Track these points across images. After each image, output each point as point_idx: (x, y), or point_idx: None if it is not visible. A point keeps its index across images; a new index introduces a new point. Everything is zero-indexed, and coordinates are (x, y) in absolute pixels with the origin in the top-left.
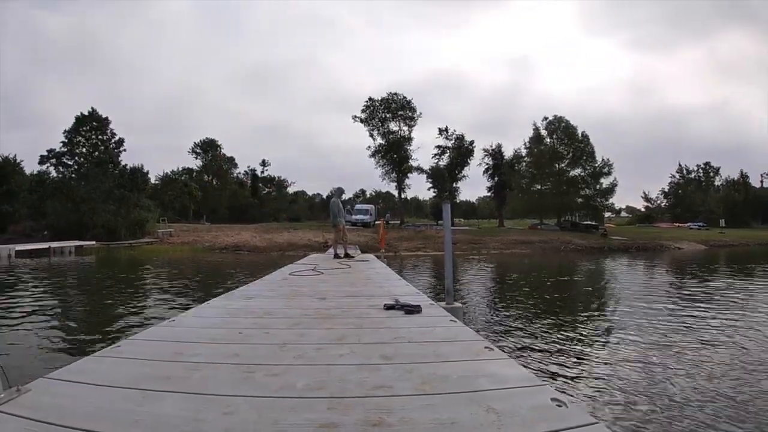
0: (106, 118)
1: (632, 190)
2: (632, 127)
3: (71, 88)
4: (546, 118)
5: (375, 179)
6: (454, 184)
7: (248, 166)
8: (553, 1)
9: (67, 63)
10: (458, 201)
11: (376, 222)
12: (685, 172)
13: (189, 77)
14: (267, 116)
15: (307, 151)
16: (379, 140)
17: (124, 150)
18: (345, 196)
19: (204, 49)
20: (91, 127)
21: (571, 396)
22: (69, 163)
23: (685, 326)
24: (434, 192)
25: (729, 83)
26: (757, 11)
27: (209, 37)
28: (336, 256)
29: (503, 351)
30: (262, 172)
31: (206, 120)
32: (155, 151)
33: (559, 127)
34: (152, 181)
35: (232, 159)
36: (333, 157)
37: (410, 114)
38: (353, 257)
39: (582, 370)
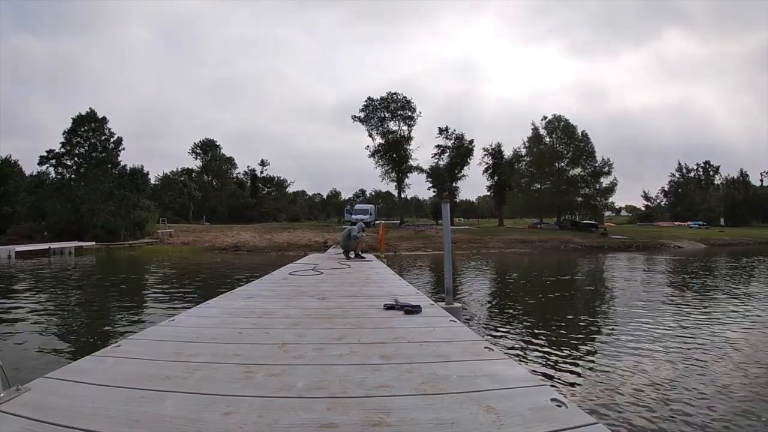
0: (104, 118)
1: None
2: (593, 130)
3: (55, 102)
4: (545, 117)
5: (375, 179)
6: (454, 184)
7: (248, 166)
8: (479, 15)
9: (50, 80)
10: (458, 200)
11: (376, 222)
12: (684, 170)
13: (162, 92)
14: (242, 122)
15: (289, 153)
16: (379, 140)
17: (123, 149)
18: (344, 197)
19: (170, 69)
20: (89, 127)
21: (571, 396)
22: (68, 163)
23: (684, 325)
24: (434, 192)
25: (682, 83)
26: (688, 11)
27: (171, 59)
28: (353, 257)
29: (503, 351)
30: (262, 172)
31: (185, 128)
32: (139, 157)
33: (559, 126)
34: (152, 181)
35: (231, 159)
36: (326, 159)
37: (410, 114)
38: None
39: (582, 370)
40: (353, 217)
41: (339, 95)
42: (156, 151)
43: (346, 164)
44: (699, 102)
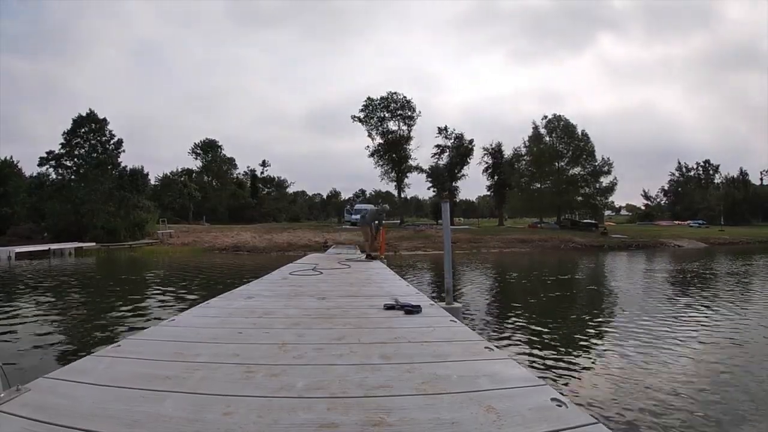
0: (104, 119)
1: None
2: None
3: (44, 111)
4: (545, 117)
5: (367, 180)
6: (454, 184)
7: (248, 167)
8: (411, 31)
9: (38, 94)
10: (458, 200)
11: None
12: (684, 170)
13: (140, 105)
14: (220, 130)
15: (270, 158)
16: (378, 140)
17: (123, 151)
18: (344, 196)
19: (143, 85)
20: (89, 128)
21: (571, 396)
22: (68, 164)
23: (684, 324)
24: (434, 191)
25: (637, 86)
26: (615, 18)
27: (144, 77)
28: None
29: (503, 351)
30: (262, 172)
31: (166, 136)
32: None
33: (559, 125)
34: (152, 182)
35: (231, 160)
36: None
37: (410, 113)
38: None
39: (582, 369)
40: (353, 217)
41: (307, 105)
42: (140, 157)
43: (330, 167)
44: (659, 103)
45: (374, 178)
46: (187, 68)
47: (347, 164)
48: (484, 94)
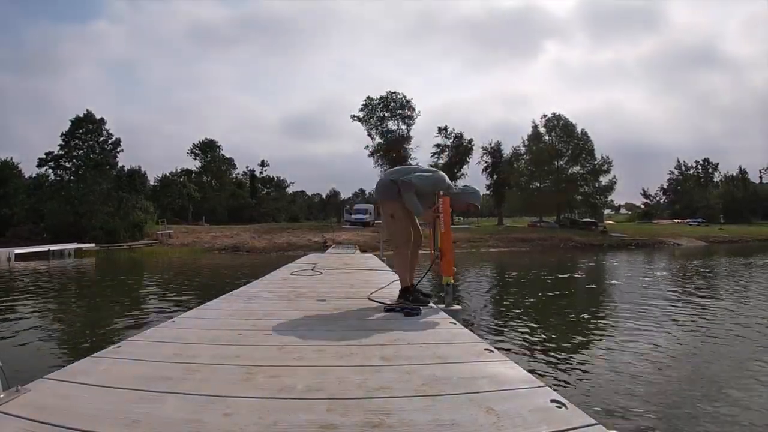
0: (101, 119)
1: None
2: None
3: (33, 124)
4: (545, 116)
5: (358, 180)
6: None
7: (247, 167)
8: (367, 47)
9: (27, 107)
10: None
11: (376, 221)
12: (683, 168)
13: (125, 116)
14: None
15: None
16: (378, 139)
17: (121, 150)
18: (343, 196)
19: (123, 98)
20: (86, 129)
21: (571, 397)
22: (67, 165)
23: (684, 324)
24: None
25: (596, 90)
26: (559, 26)
27: (122, 91)
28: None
29: (503, 352)
30: (261, 172)
31: (151, 146)
32: None
33: (558, 124)
34: (151, 183)
35: (230, 160)
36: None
37: (409, 113)
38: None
39: (582, 370)
40: (353, 217)
41: (280, 112)
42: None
43: (312, 169)
44: (624, 105)
45: (357, 179)
46: (161, 83)
47: (331, 167)
48: (449, 99)
